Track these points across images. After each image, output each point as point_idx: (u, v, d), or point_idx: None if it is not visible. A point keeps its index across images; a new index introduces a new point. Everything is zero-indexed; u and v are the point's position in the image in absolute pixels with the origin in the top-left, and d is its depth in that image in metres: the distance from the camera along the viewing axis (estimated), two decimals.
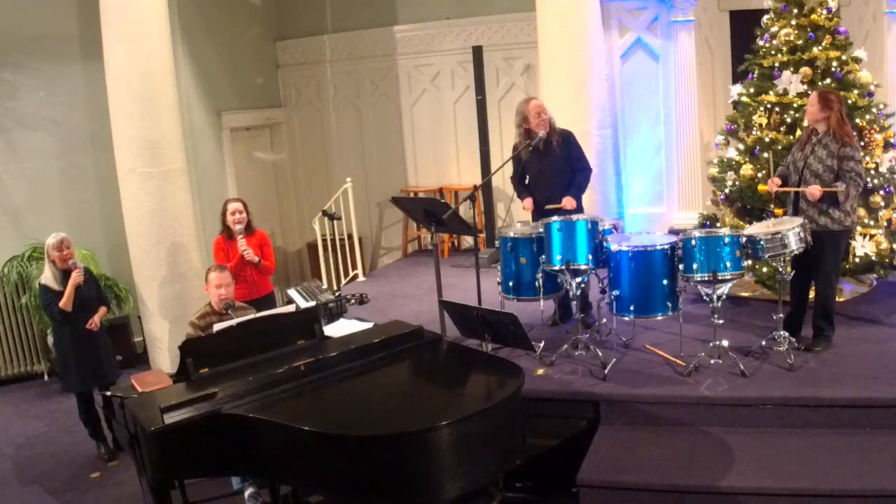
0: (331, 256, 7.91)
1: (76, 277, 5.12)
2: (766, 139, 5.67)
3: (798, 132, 5.40)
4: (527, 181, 5.51)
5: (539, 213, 5.37)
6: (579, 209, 5.32)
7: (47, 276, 5.18)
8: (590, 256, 4.66)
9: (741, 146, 5.96)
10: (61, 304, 5.10)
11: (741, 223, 5.62)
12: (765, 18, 5.94)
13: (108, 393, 3.98)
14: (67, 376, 5.31)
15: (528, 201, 5.45)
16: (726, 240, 4.46)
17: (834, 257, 4.70)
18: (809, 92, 5.55)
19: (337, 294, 6.15)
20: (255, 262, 5.59)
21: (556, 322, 5.58)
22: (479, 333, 4.62)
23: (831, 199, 4.55)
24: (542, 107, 5.32)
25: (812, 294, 4.88)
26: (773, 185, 4.81)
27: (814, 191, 4.53)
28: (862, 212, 5.45)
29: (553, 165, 5.31)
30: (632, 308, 4.65)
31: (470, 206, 7.90)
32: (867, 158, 5.48)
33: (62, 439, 5.73)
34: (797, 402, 4.19)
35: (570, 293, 4.84)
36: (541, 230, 4.89)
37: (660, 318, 4.73)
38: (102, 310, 5.39)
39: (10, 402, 6.58)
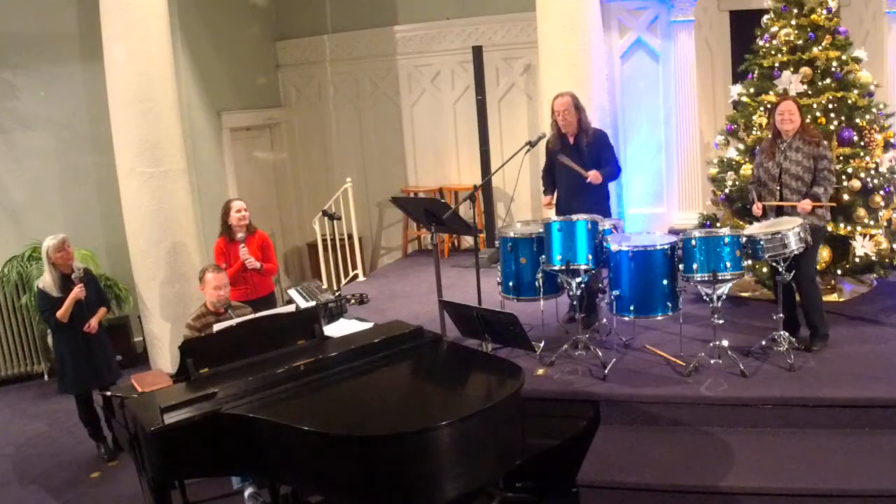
0: (331, 256, 7.91)
1: (78, 293, 5.08)
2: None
3: None
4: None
5: (561, 212, 5.39)
6: (607, 213, 5.33)
7: (46, 282, 5.10)
8: (590, 256, 4.66)
9: (741, 146, 5.96)
10: (58, 314, 5.06)
11: (741, 223, 5.62)
12: (765, 18, 5.94)
13: (108, 393, 3.98)
14: (64, 378, 5.29)
15: (548, 198, 5.49)
16: (726, 240, 4.46)
17: (813, 252, 4.77)
18: (810, 92, 5.56)
19: (337, 294, 6.17)
20: (258, 268, 5.58)
21: (573, 318, 5.42)
22: (479, 333, 4.62)
23: (815, 201, 4.66)
24: (567, 104, 5.27)
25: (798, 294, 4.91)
26: (757, 209, 4.86)
27: (806, 206, 4.62)
28: (862, 212, 5.45)
29: (579, 164, 5.30)
30: (632, 308, 4.65)
31: (470, 206, 7.90)
32: (867, 158, 5.49)
33: (62, 439, 5.72)
34: (797, 402, 4.19)
35: (571, 293, 4.83)
36: (541, 230, 4.89)
37: (660, 318, 4.73)
38: (102, 311, 5.36)
39: (10, 402, 6.58)
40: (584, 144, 5.30)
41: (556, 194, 5.60)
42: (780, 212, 4.83)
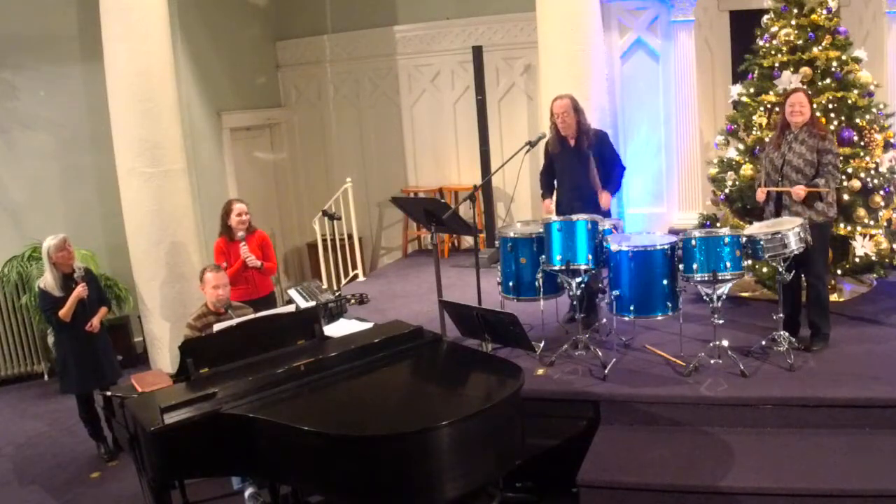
0: (331, 256, 7.91)
1: (81, 292, 5.08)
2: (766, 139, 5.65)
3: None
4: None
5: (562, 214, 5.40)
6: (607, 213, 5.32)
7: (48, 282, 5.09)
8: (590, 256, 4.66)
9: (741, 146, 5.96)
10: (61, 313, 5.05)
11: (741, 223, 5.62)
12: (765, 18, 5.93)
13: (108, 393, 3.98)
14: (66, 377, 5.28)
15: (548, 203, 5.50)
16: (726, 240, 4.46)
17: (821, 250, 4.75)
18: (810, 92, 5.55)
19: (337, 294, 6.17)
20: (259, 266, 5.58)
21: (574, 318, 5.44)
22: (479, 333, 4.62)
23: (815, 194, 4.64)
24: (566, 107, 5.26)
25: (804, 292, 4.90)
26: (761, 194, 4.87)
27: (799, 191, 4.62)
28: (862, 212, 5.45)
29: (580, 165, 5.30)
30: (632, 308, 4.65)
31: (470, 206, 7.90)
32: (867, 158, 5.49)
33: (62, 439, 5.72)
34: (797, 402, 4.19)
35: (571, 293, 4.83)
36: (541, 230, 4.89)
37: (660, 318, 4.73)
38: (103, 310, 5.36)
39: (10, 402, 6.58)
40: (584, 146, 5.30)
41: (555, 195, 5.60)
42: (779, 203, 4.81)
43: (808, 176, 4.68)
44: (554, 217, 4.85)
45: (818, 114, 5.48)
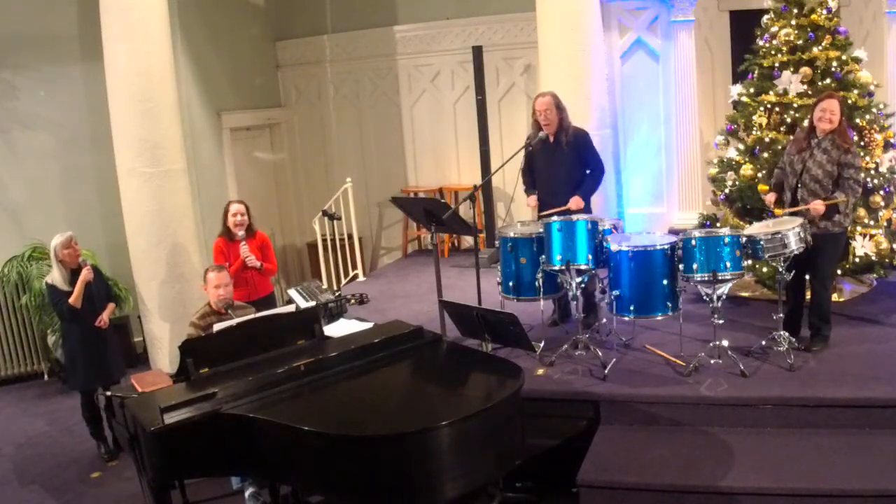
0: (331, 256, 7.91)
1: (87, 274, 5.12)
2: (766, 139, 5.67)
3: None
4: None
5: (542, 210, 5.38)
6: (587, 209, 5.27)
7: (55, 277, 5.15)
8: (590, 256, 4.66)
9: (741, 146, 5.96)
10: (71, 300, 5.09)
11: (741, 223, 5.62)
12: (765, 18, 5.94)
13: (109, 393, 3.99)
14: (74, 374, 5.30)
15: (533, 198, 5.48)
16: (726, 240, 4.46)
17: (831, 258, 4.73)
18: (810, 92, 5.55)
19: (337, 294, 6.17)
20: (258, 267, 5.58)
21: (556, 322, 5.58)
22: (479, 333, 4.62)
23: (833, 207, 4.57)
24: (548, 104, 5.22)
25: (808, 294, 4.89)
26: (770, 200, 4.83)
27: (818, 206, 4.51)
28: (862, 212, 5.45)
29: (558, 165, 5.29)
30: (632, 308, 4.65)
31: (470, 206, 7.91)
32: (867, 158, 5.48)
33: (62, 439, 5.73)
34: (797, 402, 4.19)
35: (571, 293, 4.84)
36: (541, 230, 4.89)
37: (660, 318, 4.73)
38: (111, 306, 5.40)
39: (10, 402, 6.58)
40: (563, 144, 5.28)
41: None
42: (794, 206, 4.74)
43: (827, 188, 4.56)
44: (555, 217, 4.85)
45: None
